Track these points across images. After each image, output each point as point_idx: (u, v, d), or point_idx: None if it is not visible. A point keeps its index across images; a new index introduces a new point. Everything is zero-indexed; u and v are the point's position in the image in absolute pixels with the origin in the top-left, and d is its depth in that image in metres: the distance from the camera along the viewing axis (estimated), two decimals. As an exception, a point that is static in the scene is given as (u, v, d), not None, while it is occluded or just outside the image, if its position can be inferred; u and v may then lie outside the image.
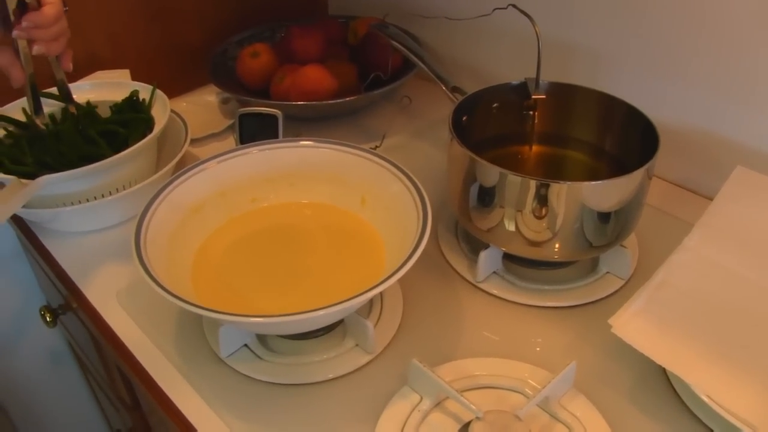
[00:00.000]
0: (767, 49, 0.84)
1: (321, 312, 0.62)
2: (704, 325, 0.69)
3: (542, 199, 0.74)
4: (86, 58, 1.16)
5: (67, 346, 1.44)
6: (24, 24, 0.79)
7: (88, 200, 0.92)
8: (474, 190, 0.79)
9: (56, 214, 0.92)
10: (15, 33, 0.80)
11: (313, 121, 1.21)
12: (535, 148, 0.95)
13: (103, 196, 0.92)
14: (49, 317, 1.14)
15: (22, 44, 0.83)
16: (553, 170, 0.93)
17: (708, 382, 0.63)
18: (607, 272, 0.85)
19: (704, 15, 0.88)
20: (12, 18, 0.79)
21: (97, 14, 1.15)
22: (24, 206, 0.86)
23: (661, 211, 0.95)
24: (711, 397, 0.62)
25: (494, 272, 0.85)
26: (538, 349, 0.77)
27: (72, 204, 0.91)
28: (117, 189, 0.93)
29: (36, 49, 0.82)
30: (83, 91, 1.05)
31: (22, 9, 0.80)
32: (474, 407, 0.63)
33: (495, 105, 0.91)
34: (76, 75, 1.11)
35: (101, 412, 1.57)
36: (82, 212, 0.92)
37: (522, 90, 0.91)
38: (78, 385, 1.52)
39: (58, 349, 1.44)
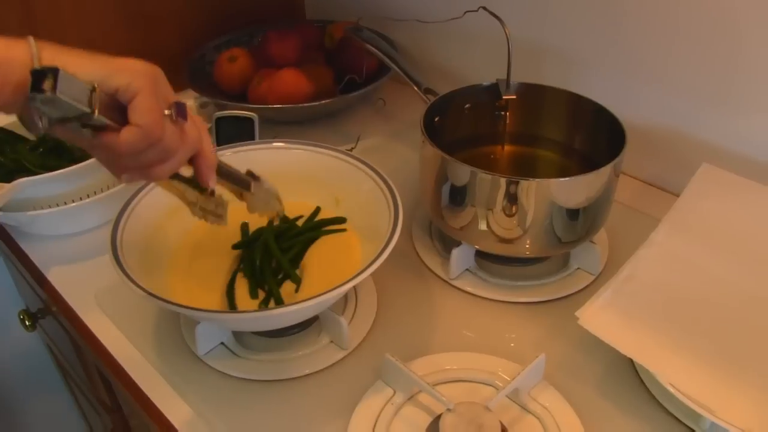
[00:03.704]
0: (735, 50, 0.87)
1: (294, 307, 0.64)
2: (669, 316, 0.71)
3: (512, 197, 0.75)
4: (64, 64, 1.16)
5: (46, 350, 1.44)
6: (99, 147, 0.55)
7: (66, 203, 0.92)
8: (446, 189, 0.81)
9: (34, 217, 0.92)
10: (94, 155, 0.60)
11: (290, 124, 1.22)
12: (507, 147, 0.96)
13: (81, 199, 0.93)
14: (28, 321, 1.14)
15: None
16: (524, 169, 0.95)
17: (672, 371, 0.65)
18: (578, 268, 0.87)
19: (670, 17, 0.90)
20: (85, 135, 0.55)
21: (74, 20, 1.15)
22: (1, 210, 0.87)
23: (630, 208, 0.97)
24: (674, 386, 0.64)
25: (467, 269, 0.87)
26: (512, 344, 0.78)
27: (50, 207, 0.92)
28: (95, 192, 0.94)
29: (124, 178, 0.59)
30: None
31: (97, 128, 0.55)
32: (445, 399, 0.65)
33: (467, 106, 0.93)
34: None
35: (82, 416, 1.56)
36: (59, 215, 0.93)
37: (493, 91, 0.92)
38: (58, 389, 1.52)
39: (38, 353, 1.44)
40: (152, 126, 0.54)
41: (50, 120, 0.51)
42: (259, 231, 0.83)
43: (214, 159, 0.63)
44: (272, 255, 0.79)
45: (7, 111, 0.53)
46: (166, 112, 0.55)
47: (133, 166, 0.57)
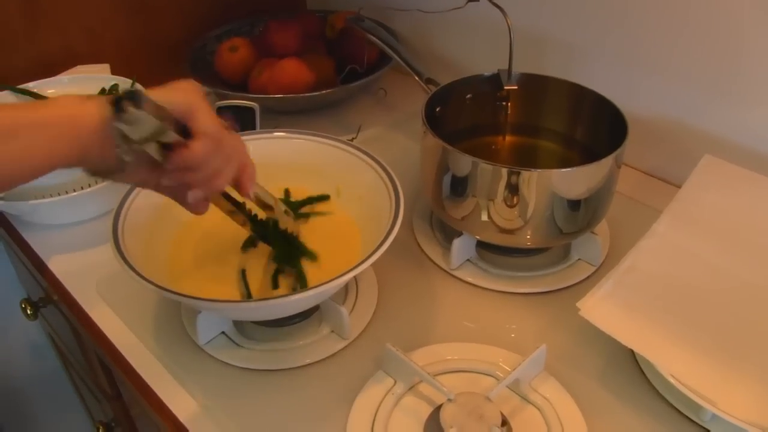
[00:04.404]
0: (739, 41, 0.86)
1: (295, 297, 0.64)
2: (670, 307, 0.71)
3: (513, 187, 0.75)
4: (64, 53, 1.16)
5: (48, 339, 1.44)
6: (170, 168, 0.59)
7: (67, 192, 0.92)
8: (447, 179, 0.81)
9: (35, 206, 0.92)
10: (165, 182, 0.61)
11: (291, 114, 1.21)
12: (508, 138, 0.96)
13: (82, 188, 0.93)
14: (30, 310, 1.14)
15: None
16: (525, 160, 0.95)
17: (673, 362, 0.65)
18: (579, 259, 0.86)
19: (673, 7, 0.90)
20: (159, 158, 0.58)
21: (75, 8, 1.15)
22: (2, 199, 0.87)
23: (632, 200, 0.97)
24: (675, 377, 0.64)
25: (468, 260, 0.87)
26: (513, 335, 0.78)
27: (51, 196, 0.92)
28: (96, 181, 0.94)
29: (192, 196, 0.61)
30: (63, 86, 1.06)
31: (168, 148, 0.58)
32: (445, 389, 0.65)
33: (468, 96, 0.93)
34: (55, 70, 1.11)
35: (83, 404, 1.57)
36: (61, 204, 0.93)
37: (495, 81, 0.92)
38: (59, 378, 1.52)
39: (39, 342, 1.44)
40: (217, 132, 0.59)
41: (130, 147, 0.56)
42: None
43: (254, 171, 0.68)
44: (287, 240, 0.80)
45: (82, 164, 0.58)
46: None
47: (200, 180, 0.60)
